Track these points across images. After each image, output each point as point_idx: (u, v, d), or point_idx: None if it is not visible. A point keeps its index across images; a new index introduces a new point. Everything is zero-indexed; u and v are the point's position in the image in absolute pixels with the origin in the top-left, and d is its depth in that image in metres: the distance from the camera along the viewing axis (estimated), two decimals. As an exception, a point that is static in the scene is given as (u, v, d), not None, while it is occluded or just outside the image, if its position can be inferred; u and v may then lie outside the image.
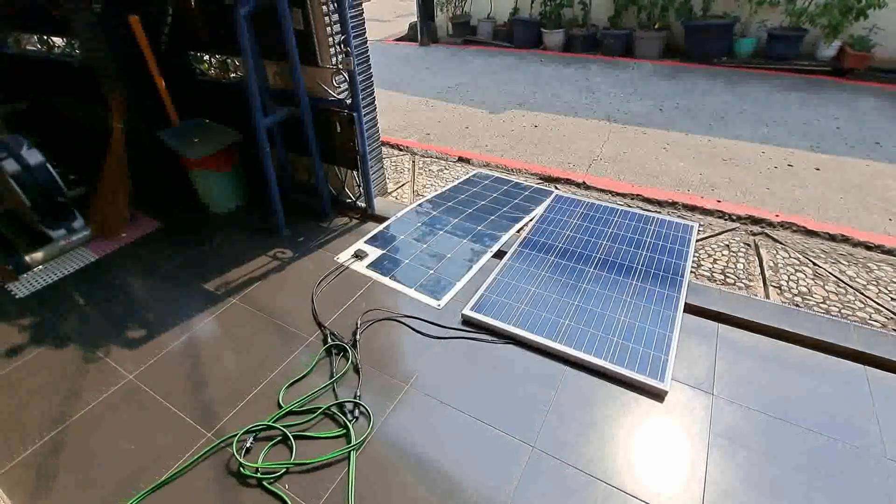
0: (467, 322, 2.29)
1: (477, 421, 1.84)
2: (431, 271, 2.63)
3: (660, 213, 3.16)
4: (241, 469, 1.69)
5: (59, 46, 4.52)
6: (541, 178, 3.75)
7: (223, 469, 1.71)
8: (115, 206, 3.09)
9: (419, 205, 3.28)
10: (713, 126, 4.54)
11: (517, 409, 1.88)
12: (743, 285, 2.56)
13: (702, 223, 3.06)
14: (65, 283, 2.73)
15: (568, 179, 3.67)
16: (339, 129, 2.90)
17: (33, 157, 2.85)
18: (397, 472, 1.68)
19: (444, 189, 3.54)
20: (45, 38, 4.54)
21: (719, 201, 3.31)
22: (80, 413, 1.94)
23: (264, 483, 1.65)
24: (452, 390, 1.97)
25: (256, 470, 1.68)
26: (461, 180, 3.68)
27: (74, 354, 2.23)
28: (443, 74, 6.60)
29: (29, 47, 4.69)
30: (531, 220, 3.03)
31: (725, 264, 2.71)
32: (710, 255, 2.78)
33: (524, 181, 3.67)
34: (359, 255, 2.78)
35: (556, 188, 3.54)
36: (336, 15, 2.58)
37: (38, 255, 2.87)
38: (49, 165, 2.90)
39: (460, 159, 4.15)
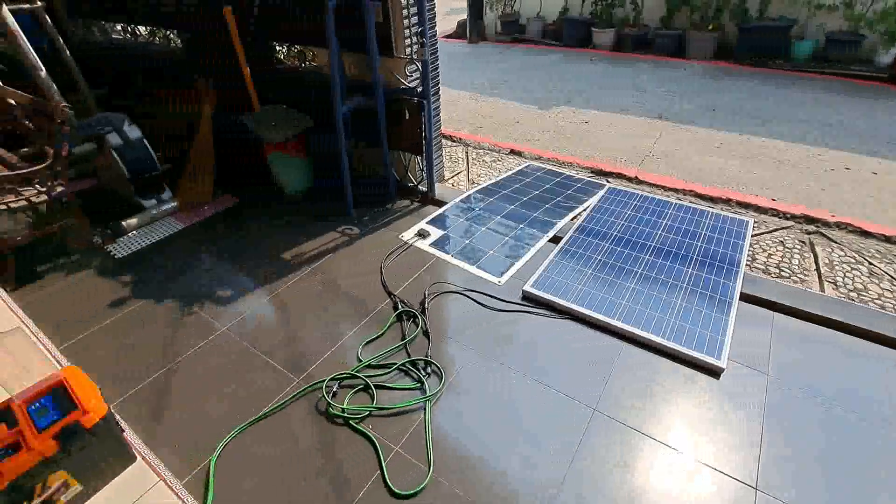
0: (527, 298, 2.44)
1: (540, 384, 1.99)
2: (491, 251, 2.79)
3: (713, 208, 3.22)
4: (330, 409, 1.90)
5: (142, 35, 4.90)
6: (592, 172, 3.85)
7: (314, 409, 1.92)
8: (200, 183, 3.38)
9: (476, 192, 3.45)
10: (767, 127, 4.52)
11: (577, 376, 2.02)
12: (798, 279, 2.61)
13: (756, 220, 3.11)
14: (157, 246, 3.02)
15: (620, 174, 3.76)
16: (407, 116, 3.09)
17: (133, 132, 3.17)
18: (469, 423, 1.85)
19: (498, 178, 3.69)
20: (131, 28, 4.93)
21: (774, 200, 3.34)
22: (184, 356, 2.20)
23: (351, 422, 1.85)
24: (516, 357, 2.12)
25: (343, 410, 1.88)
26: (514, 171, 3.82)
27: (172, 307, 2.50)
28: (492, 71, 6.74)
29: (114, 36, 5.10)
30: (585, 209, 3.15)
31: (780, 259, 2.76)
32: (764, 251, 2.83)
33: (576, 174, 3.78)
34: (422, 234, 2.97)
35: (608, 181, 3.64)
36: (415, 7, 2.76)
37: (133, 221, 3.18)
38: (146, 141, 3.21)
39: (512, 151, 4.29)
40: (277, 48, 3.82)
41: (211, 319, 2.41)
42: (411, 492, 1.61)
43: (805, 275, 2.65)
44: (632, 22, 7.39)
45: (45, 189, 2.66)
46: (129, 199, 3.26)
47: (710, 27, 6.71)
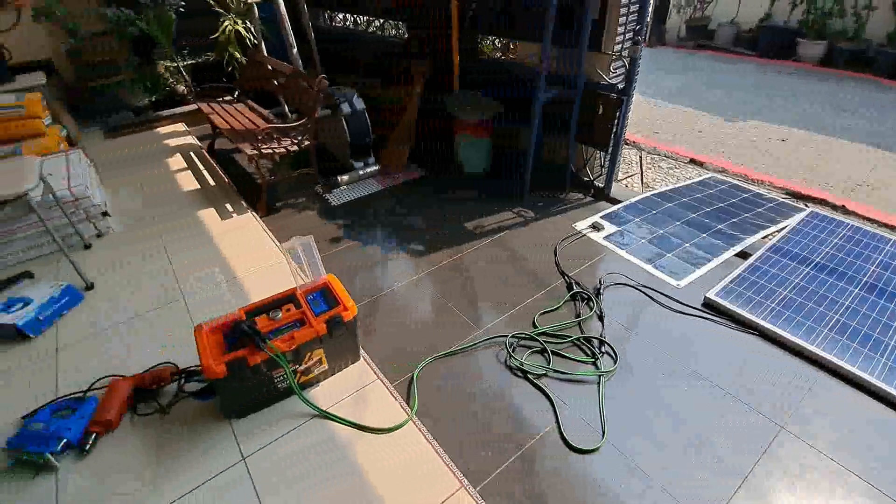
0: (709, 305, 2.40)
1: (717, 388, 1.98)
2: (668, 254, 2.78)
3: (948, 254, 2.77)
4: (509, 361, 2.13)
5: (358, 23, 5.69)
6: (787, 194, 3.54)
7: (494, 358, 2.17)
8: (399, 154, 3.89)
9: (653, 195, 3.42)
10: None
11: (762, 392, 1.96)
12: None
13: None
14: (362, 201, 3.57)
15: (822, 200, 3.40)
16: (600, 111, 3.19)
17: (359, 104, 3.76)
18: (642, 409, 1.93)
19: (676, 185, 3.60)
20: (352, 17, 5.75)
21: None
22: (387, 290, 2.62)
23: (529, 377, 2.06)
24: (695, 359, 2.13)
25: (522, 365, 2.10)
26: (694, 181, 3.69)
27: (376, 250, 2.97)
28: (672, 76, 6.44)
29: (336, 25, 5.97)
30: (780, 229, 2.94)
31: None
32: None
33: (766, 192, 3.51)
34: (596, 227, 3.06)
35: (807, 206, 3.32)
36: (636, 5, 2.83)
37: (345, 177, 3.79)
38: (366, 114, 3.79)
39: (692, 161, 4.12)
40: (480, 39, 4.18)
41: (408, 265, 2.82)
42: (587, 448, 1.77)
43: None
44: (851, 35, 6.41)
45: (297, 141, 3.33)
46: (345, 160, 3.89)
47: (966, 46, 5.55)
